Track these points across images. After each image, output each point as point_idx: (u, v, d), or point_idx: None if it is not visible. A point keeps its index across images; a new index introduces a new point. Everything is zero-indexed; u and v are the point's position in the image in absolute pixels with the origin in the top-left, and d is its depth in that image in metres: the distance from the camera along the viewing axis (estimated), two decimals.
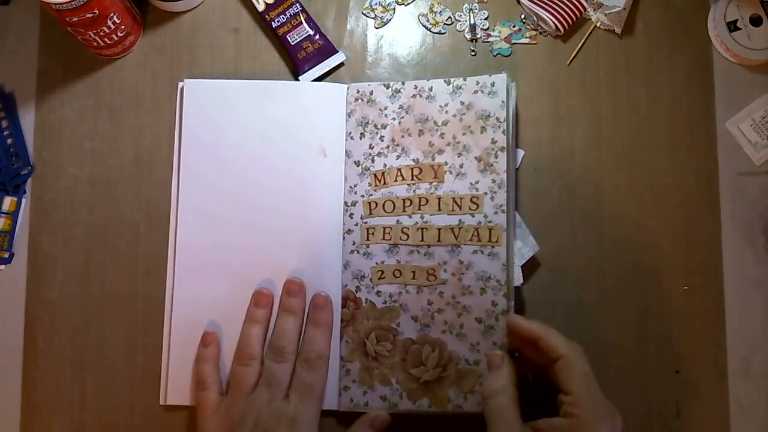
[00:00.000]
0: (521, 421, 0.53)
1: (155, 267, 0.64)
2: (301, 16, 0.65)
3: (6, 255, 0.65)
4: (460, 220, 0.60)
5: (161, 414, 0.63)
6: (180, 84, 0.65)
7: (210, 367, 0.59)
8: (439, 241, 0.61)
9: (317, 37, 0.66)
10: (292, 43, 0.65)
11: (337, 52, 0.66)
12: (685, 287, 0.64)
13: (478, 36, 0.67)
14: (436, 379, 0.59)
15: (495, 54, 0.67)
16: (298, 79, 0.65)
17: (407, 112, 0.63)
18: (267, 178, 0.63)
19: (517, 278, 0.60)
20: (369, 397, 0.60)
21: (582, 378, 0.52)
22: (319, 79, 0.66)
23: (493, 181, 0.60)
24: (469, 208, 0.60)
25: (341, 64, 0.67)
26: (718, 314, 0.64)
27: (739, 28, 0.66)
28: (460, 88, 0.62)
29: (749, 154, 0.66)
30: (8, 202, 0.65)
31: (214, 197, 0.63)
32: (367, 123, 0.64)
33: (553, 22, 0.65)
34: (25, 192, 0.66)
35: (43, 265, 0.65)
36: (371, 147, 0.63)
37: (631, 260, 0.64)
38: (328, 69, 0.66)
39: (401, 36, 0.68)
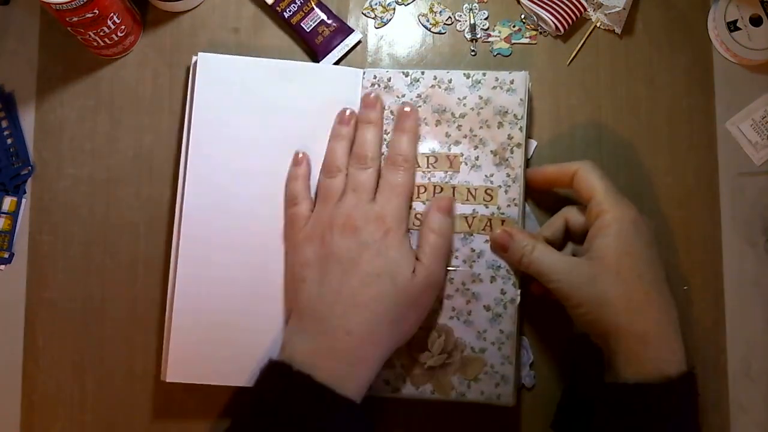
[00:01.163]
0: (565, 257, 0.56)
1: (155, 267, 0.64)
2: (311, 2, 0.66)
3: (6, 255, 0.65)
4: (473, 210, 0.61)
5: (161, 414, 0.63)
6: (194, 58, 0.62)
7: (301, 184, 0.60)
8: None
9: (331, 20, 0.66)
10: (308, 30, 0.65)
11: (353, 31, 0.66)
12: (685, 287, 0.64)
13: (478, 36, 0.67)
14: (440, 365, 0.59)
15: (495, 54, 0.67)
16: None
17: (425, 102, 0.63)
18: (279, 158, 0.62)
19: None
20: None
21: (600, 179, 0.56)
22: (339, 61, 0.66)
23: (508, 175, 0.60)
24: (483, 199, 0.61)
25: (359, 43, 0.67)
26: (718, 314, 0.64)
27: (739, 28, 0.66)
28: (479, 82, 0.62)
29: (749, 154, 0.66)
30: (8, 202, 0.65)
31: (224, 176, 0.61)
32: (383, 109, 0.64)
33: (553, 22, 0.65)
34: (25, 192, 0.66)
35: (43, 265, 0.65)
36: (387, 132, 0.63)
37: None
38: (347, 49, 0.66)
39: (401, 36, 0.68)
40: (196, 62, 0.62)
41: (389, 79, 0.64)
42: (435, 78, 0.63)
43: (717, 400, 0.63)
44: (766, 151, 0.66)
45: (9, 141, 0.66)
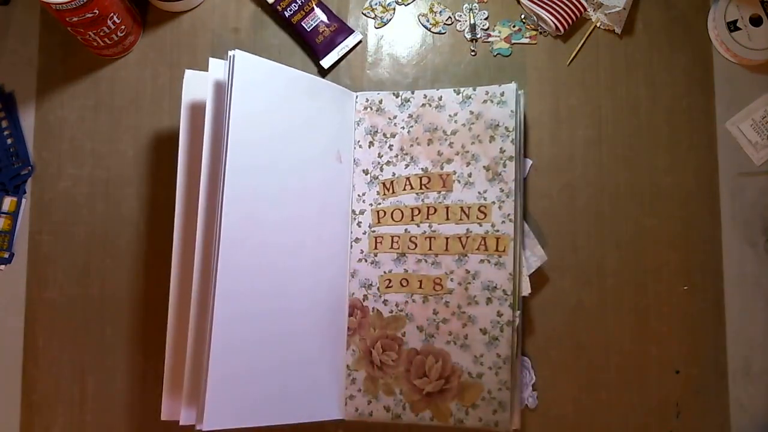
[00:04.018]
0: None
1: (155, 266, 0.65)
2: (312, 1, 0.66)
3: (6, 255, 0.65)
4: (467, 230, 0.61)
5: (160, 413, 0.63)
6: (230, 53, 0.56)
7: None
8: (446, 250, 0.61)
9: (332, 20, 0.66)
10: (308, 30, 0.65)
11: (354, 31, 0.67)
12: (685, 287, 0.64)
13: (478, 36, 0.67)
14: (438, 391, 0.59)
15: (495, 54, 0.67)
16: (320, 65, 0.66)
17: (416, 122, 0.63)
18: (288, 176, 0.60)
19: (525, 288, 0.60)
20: (373, 407, 0.60)
21: None
22: (339, 61, 0.67)
23: (501, 190, 0.60)
24: (477, 218, 0.60)
25: (359, 43, 0.67)
26: (718, 314, 0.64)
27: (739, 28, 0.66)
28: (470, 97, 0.62)
29: (749, 154, 0.66)
30: (8, 202, 0.65)
31: (255, 181, 0.57)
32: (376, 132, 0.64)
33: (553, 22, 0.65)
34: (25, 192, 0.66)
35: (43, 265, 0.65)
36: (380, 156, 0.63)
37: (631, 260, 0.64)
38: (347, 49, 0.66)
39: (401, 36, 0.68)
40: (233, 57, 0.56)
41: (380, 101, 0.64)
42: (425, 97, 0.63)
43: (717, 400, 0.63)
44: (766, 151, 0.66)
45: (9, 141, 0.66)
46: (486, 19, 0.67)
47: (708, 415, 0.63)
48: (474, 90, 0.62)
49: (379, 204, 0.63)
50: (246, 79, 0.56)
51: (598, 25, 0.67)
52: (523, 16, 0.67)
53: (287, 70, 0.61)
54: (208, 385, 0.53)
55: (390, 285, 0.61)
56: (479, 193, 0.61)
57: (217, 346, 0.54)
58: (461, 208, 0.61)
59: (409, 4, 0.68)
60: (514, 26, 0.67)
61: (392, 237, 0.62)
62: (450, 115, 0.62)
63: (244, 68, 0.56)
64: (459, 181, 0.61)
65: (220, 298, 0.54)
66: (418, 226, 0.62)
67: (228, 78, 0.56)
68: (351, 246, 0.63)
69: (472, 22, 0.67)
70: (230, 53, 0.56)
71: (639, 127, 0.66)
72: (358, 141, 0.64)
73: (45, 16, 0.68)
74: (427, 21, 0.68)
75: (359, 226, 0.63)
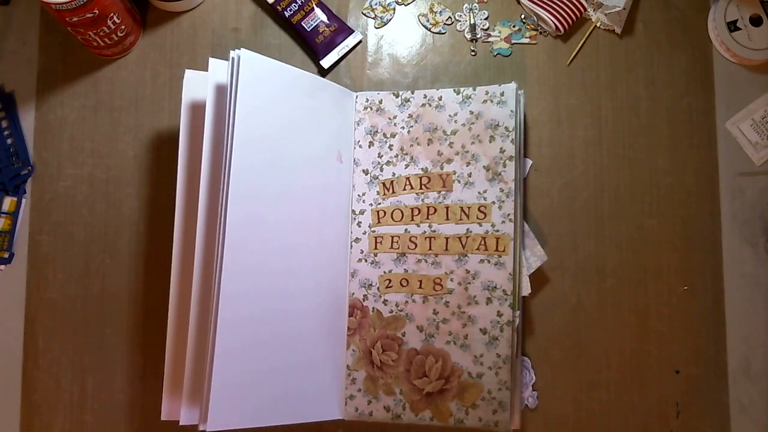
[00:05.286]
0: None
1: (155, 266, 0.65)
2: (312, 1, 0.66)
3: (6, 255, 0.65)
4: (467, 229, 0.61)
5: (160, 414, 0.63)
6: (234, 53, 0.56)
7: None
8: (446, 250, 0.61)
9: (332, 20, 0.66)
10: (308, 30, 0.65)
11: (354, 31, 0.67)
12: (685, 287, 0.64)
13: (478, 36, 0.67)
14: (438, 391, 0.60)
15: (495, 54, 0.67)
16: (320, 65, 0.66)
17: (416, 121, 0.63)
18: (289, 175, 0.59)
19: (525, 288, 0.60)
20: (373, 407, 0.60)
21: None
22: (339, 61, 0.67)
23: (501, 190, 0.60)
24: (477, 217, 0.60)
25: (359, 43, 0.67)
26: (718, 314, 0.64)
27: (739, 28, 0.66)
28: (470, 97, 0.62)
29: (749, 154, 0.66)
30: (8, 202, 0.65)
31: (257, 181, 0.57)
32: (376, 132, 0.64)
33: (553, 22, 0.65)
34: (25, 192, 0.66)
35: (43, 265, 0.65)
36: (380, 156, 0.63)
37: (631, 260, 0.64)
38: (347, 49, 0.66)
39: (401, 36, 0.68)
40: (238, 58, 0.56)
41: (380, 101, 0.64)
42: (425, 96, 0.63)
43: (717, 400, 0.63)
44: (766, 151, 0.66)
45: (9, 141, 0.66)
46: (486, 19, 0.67)
47: (708, 415, 0.63)
48: (474, 90, 0.62)
49: (379, 204, 0.63)
50: (250, 77, 0.56)
51: (598, 25, 0.67)
52: (523, 16, 0.67)
53: (289, 69, 0.61)
54: (212, 385, 0.53)
55: (390, 285, 0.61)
56: (479, 193, 0.61)
57: (220, 346, 0.54)
58: (461, 208, 0.61)
59: (409, 4, 0.68)
60: (514, 26, 0.67)
61: (392, 237, 0.62)
62: (450, 115, 0.62)
63: (249, 67, 0.56)
64: (459, 181, 0.61)
65: (224, 299, 0.54)
66: (418, 226, 0.62)
67: (232, 77, 0.56)
68: (351, 246, 0.63)
69: (472, 22, 0.67)
70: (235, 53, 0.56)
71: (639, 127, 0.66)
72: (358, 141, 0.64)
73: (45, 16, 0.68)
74: (427, 21, 0.68)
75: (359, 226, 0.63)
